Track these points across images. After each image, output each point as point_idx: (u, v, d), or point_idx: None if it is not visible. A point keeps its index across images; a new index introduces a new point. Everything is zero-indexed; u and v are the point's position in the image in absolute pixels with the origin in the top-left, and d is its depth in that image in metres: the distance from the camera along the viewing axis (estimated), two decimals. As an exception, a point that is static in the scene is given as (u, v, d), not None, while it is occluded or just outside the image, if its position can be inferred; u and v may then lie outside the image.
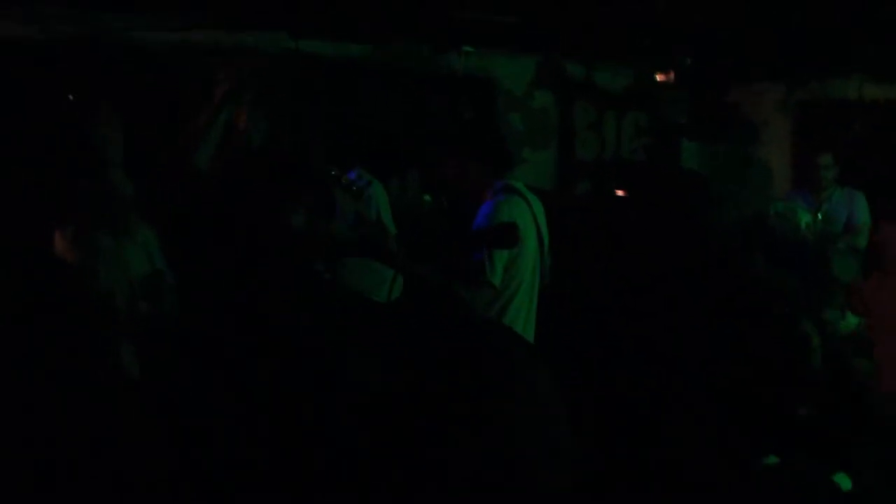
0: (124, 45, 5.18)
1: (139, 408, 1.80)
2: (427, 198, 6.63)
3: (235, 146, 4.34)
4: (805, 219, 5.74)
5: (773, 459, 1.75)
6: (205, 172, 3.24)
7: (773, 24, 6.09)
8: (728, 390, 1.75)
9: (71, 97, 5.08)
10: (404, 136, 6.57)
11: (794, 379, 1.76)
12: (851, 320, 4.14)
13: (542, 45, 6.93)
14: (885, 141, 6.92)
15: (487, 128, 4.21)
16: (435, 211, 6.38)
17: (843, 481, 1.75)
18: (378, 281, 4.42)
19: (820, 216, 5.93)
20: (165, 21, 5.30)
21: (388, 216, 5.00)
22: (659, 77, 7.09)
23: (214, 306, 2.24)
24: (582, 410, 1.70)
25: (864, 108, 7.05)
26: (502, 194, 3.79)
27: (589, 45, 6.85)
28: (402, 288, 3.61)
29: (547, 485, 1.30)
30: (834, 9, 5.59)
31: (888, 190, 6.46)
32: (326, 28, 5.89)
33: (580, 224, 5.48)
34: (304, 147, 5.06)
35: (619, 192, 7.00)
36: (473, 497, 1.25)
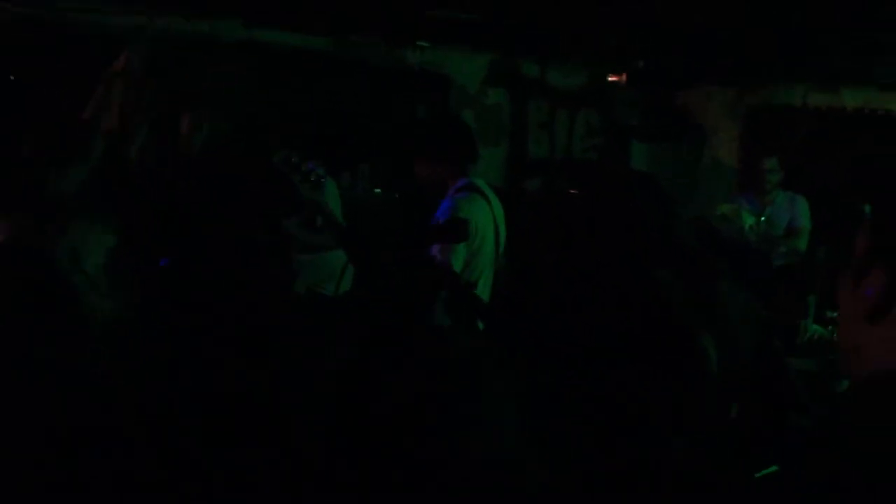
0: (79, 28, 5.12)
1: (102, 405, 1.80)
2: (377, 191, 6.65)
3: (178, 146, 4.29)
4: (749, 221, 5.86)
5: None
6: (135, 163, 3.18)
7: (725, 29, 6.20)
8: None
9: (12, 77, 5.00)
10: (357, 130, 6.57)
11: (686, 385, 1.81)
12: (813, 328, 4.27)
13: (497, 43, 6.98)
14: (828, 148, 7.09)
15: (457, 124, 4.24)
16: (386, 205, 6.40)
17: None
18: (326, 274, 4.44)
19: (763, 219, 6.07)
20: (122, 5, 5.25)
21: (338, 210, 5.00)
22: (611, 78, 7.18)
23: (181, 305, 2.24)
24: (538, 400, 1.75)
25: (809, 115, 7.22)
26: (464, 192, 3.83)
27: (544, 44, 6.91)
28: (352, 281, 3.63)
29: (509, 482, 1.33)
30: (784, 17, 5.71)
31: (829, 195, 6.63)
32: (282, 19, 5.88)
33: (531, 220, 5.52)
34: (259, 138, 5.03)
35: (572, 191, 7.07)
36: (439, 496, 1.28)
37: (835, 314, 4.23)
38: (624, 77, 7.07)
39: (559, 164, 7.59)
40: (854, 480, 1.05)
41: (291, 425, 1.54)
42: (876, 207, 1.24)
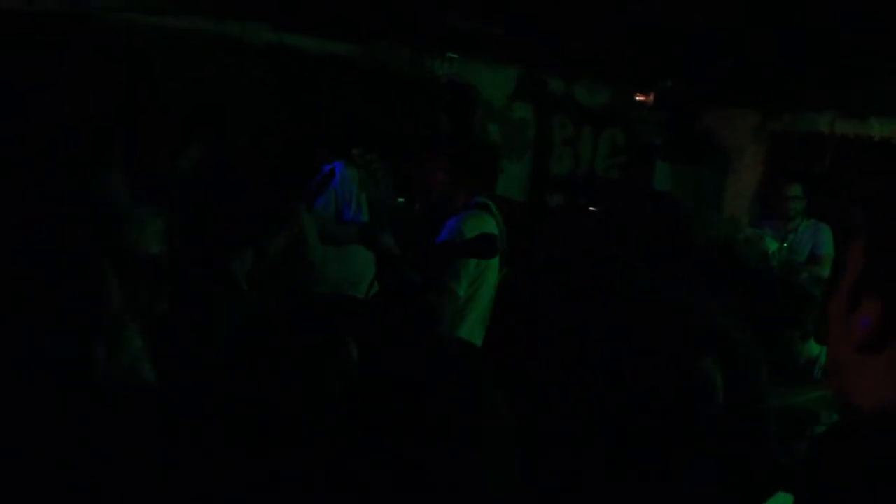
0: (107, 25, 5.15)
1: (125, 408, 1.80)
2: (401, 200, 6.64)
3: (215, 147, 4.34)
4: (772, 246, 5.82)
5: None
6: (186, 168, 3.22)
7: (753, 53, 6.17)
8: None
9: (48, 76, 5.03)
10: (382, 138, 6.57)
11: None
12: (814, 348, 4.21)
13: (524, 58, 6.98)
14: (854, 176, 7.02)
15: (488, 147, 4.33)
16: (408, 214, 6.39)
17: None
18: (357, 274, 4.46)
19: (786, 245, 6.01)
20: (149, 4, 5.28)
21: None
22: (639, 97, 7.16)
23: (199, 306, 2.24)
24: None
25: (835, 143, 7.16)
26: (474, 209, 3.86)
27: (570, 60, 6.90)
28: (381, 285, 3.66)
29: (500, 492, 1.33)
30: (814, 43, 5.69)
31: (853, 225, 6.55)
32: (311, 24, 5.90)
33: (551, 236, 5.51)
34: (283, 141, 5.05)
35: (591, 208, 7.07)
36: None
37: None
38: (651, 97, 7.05)
39: (582, 181, 7.57)
40: None
41: (295, 426, 1.53)
42: (874, 226, 1.12)
